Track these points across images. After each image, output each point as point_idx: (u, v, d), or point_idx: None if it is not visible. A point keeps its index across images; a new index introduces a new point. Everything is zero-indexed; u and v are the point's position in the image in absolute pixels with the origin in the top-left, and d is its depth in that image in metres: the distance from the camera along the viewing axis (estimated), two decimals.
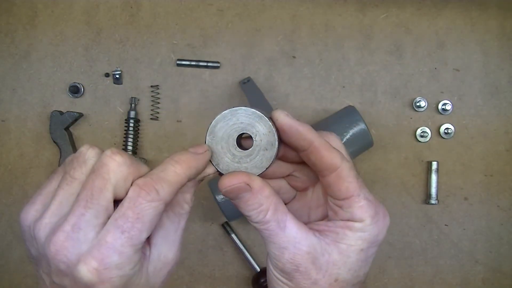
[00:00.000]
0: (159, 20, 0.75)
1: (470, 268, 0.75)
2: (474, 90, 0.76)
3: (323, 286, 0.36)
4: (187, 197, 0.38)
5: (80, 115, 0.74)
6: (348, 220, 0.37)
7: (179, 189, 0.35)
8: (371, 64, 0.76)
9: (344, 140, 0.67)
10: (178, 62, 0.75)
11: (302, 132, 0.36)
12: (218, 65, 0.75)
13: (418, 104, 0.75)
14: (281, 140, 0.37)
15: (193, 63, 0.75)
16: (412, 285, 0.74)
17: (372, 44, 0.76)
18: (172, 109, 0.75)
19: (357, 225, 0.36)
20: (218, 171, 0.37)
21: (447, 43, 0.76)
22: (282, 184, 0.42)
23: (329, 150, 0.36)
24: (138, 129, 0.74)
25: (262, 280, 0.71)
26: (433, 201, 0.74)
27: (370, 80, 0.75)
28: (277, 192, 0.38)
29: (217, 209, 0.73)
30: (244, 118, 0.36)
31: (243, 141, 0.38)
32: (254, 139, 0.36)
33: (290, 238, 0.36)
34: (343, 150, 0.38)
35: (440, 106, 0.75)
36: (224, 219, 0.74)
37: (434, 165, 0.74)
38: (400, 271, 0.74)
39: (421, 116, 0.75)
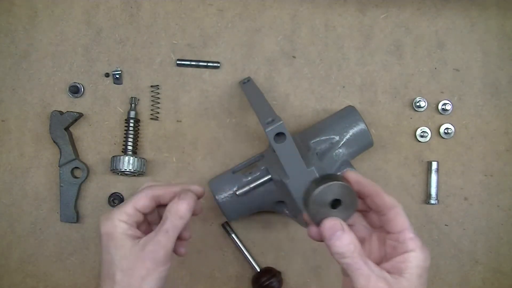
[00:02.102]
0: (159, 20, 0.75)
1: (470, 268, 0.75)
2: (474, 90, 0.76)
3: None
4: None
5: (80, 115, 0.74)
6: (405, 252, 0.45)
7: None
8: (371, 64, 0.76)
9: (344, 140, 0.67)
10: (178, 62, 0.75)
11: (369, 184, 0.47)
12: (218, 65, 0.75)
13: (418, 104, 0.75)
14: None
15: (193, 63, 0.75)
16: None
17: (372, 44, 0.76)
18: (172, 109, 0.75)
19: (412, 254, 0.44)
20: (316, 223, 0.47)
21: (447, 43, 0.76)
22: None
23: (388, 194, 0.47)
24: (138, 129, 0.74)
25: (262, 280, 0.71)
26: (433, 201, 0.74)
27: (370, 80, 0.75)
28: None
29: (217, 209, 0.73)
30: (336, 189, 0.46)
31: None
32: (342, 200, 0.46)
33: (373, 270, 0.44)
34: None
35: (440, 106, 0.75)
36: (224, 219, 0.74)
37: (434, 165, 0.74)
38: None
39: (421, 116, 0.75)
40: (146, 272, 0.48)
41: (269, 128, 0.54)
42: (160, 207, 0.53)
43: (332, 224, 0.45)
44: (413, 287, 0.44)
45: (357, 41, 0.76)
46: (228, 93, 0.75)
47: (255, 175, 0.66)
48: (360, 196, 0.48)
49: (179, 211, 0.50)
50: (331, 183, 0.45)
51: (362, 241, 0.49)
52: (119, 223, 0.49)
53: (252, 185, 0.65)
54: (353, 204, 0.47)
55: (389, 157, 0.75)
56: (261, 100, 0.64)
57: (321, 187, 0.45)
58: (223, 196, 0.67)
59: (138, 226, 0.51)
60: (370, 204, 0.48)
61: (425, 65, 0.76)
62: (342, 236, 0.45)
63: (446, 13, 0.76)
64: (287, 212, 0.67)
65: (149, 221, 0.55)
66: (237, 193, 0.65)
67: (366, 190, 0.48)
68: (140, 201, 0.51)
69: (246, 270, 0.74)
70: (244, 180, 0.67)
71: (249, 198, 0.66)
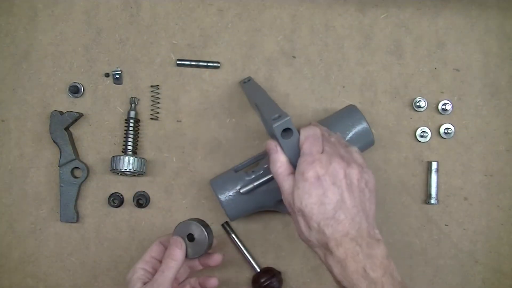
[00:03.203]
0: (159, 20, 0.75)
1: (470, 268, 0.75)
2: (474, 90, 0.76)
3: None
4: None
5: (80, 115, 0.74)
6: None
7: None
8: (371, 64, 0.76)
9: (347, 138, 0.67)
10: (178, 62, 0.75)
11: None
12: (218, 65, 0.75)
13: (418, 104, 0.75)
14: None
15: (193, 63, 0.75)
16: (412, 285, 0.74)
17: (372, 44, 0.76)
18: (172, 109, 0.75)
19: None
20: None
21: (447, 43, 0.76)
22: None
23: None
24: (138, 129, 0.74)
25: (262, 280, 0.71)
26: (433, 201, 0.74)
27: (370, 80, 0.75)
28: None
29: (217, 209, 0.73)
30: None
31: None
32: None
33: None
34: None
35: (440, 106, 0.75)
36: (224, 219, 0.74)
37: (434, 165, 0.74)
38: (400, 271, 0.73)
39: (421, 116, 0.75)
40: None
41: (276, 124, 0.54)
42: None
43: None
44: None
45: (357, 41, 0.76)
46: (228, 93, 0.75)
47: (258, 173, 0.66)
48: None
49: (171, 254, 0.60)
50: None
51: None
52: (138, 269, 0.61)
53: (256, 183, 0.65)
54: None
55: (389, 157, 0.75)
56: (265, 97, 0.64)
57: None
58: (226, 195, 0.67)
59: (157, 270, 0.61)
60: None
61: (425, 65, 0.76)
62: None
63: (446, 13, 0.76)
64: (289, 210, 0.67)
65: None
66: (241, 191, 0.65)
67: None
68: (153, 249, 0.63)
69: (246, 270, 0.74)
70: (247, 178, 0.67)
71: (252, 197, 0.66)
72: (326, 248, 0.52)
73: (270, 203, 0.68)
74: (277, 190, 0.64)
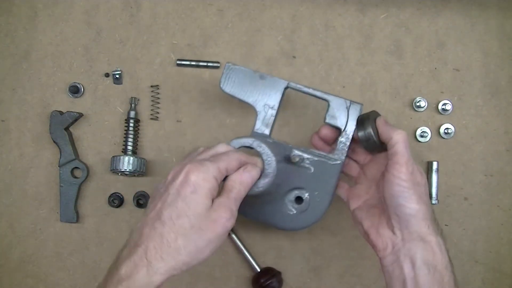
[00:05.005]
0: (159, 20, 0.75)
1: (470, 268, 0.75)
2: (474, 90, 0.76)
3: None
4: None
5: (80, 115, 0.74)
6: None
7: None
8: (371, 64, 0.76)
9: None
10: (178, 62, 0.75)
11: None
12: (218, 65, 0.75)
13: (418, 104, 0.75)
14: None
15: (193, 63, 0.75)
16: None
17: (372, 44, 0.76)
18: (172, 109, 0.75)
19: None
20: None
21: (447, 43, 0.76)
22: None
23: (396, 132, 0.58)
24: (138, 129, 0.74)
25: (262, 280, 0.71)
26: (433, 201, 0.74)
27: (370, 80, 0.75)
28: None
29: None
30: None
31: None
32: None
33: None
34: None
35: (440, 106, 0.75)
36: None
37: (434, 165, 0.74)
38: None
39: (421, 116, 0.75)
40: (210, 239, 0.49)
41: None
42: None
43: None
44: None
45: (357, 41, 0.76)
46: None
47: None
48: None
49: (244, 182, 0.52)
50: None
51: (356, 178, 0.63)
52: (212, 179, 0.49)
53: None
54: None
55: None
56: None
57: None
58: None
59: None
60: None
61: (425, 65, 0.76)
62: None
63: (446, 13, 0.76)
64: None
65: None
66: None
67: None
68: (231, 164, 0.52)
69: (246, 270, 0.74)
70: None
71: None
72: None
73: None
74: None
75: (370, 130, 0.59)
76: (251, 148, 0.59)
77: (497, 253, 0.75)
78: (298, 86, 0.64)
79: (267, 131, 0.64)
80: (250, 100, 0.64)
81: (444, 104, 0.75)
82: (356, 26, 0.76)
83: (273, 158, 0.58)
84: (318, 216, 0.63)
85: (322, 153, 0.63)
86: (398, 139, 0.55)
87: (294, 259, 0.74)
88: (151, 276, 0.45)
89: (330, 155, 0.63)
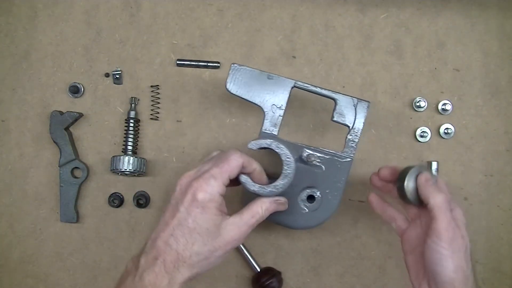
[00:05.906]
0: (159, 20, 0.75)
1: None
2: (474, 90, 0.76)
3: None
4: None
5: (80, 115, 0.74)
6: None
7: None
8: (371, 64, 0.76)
9: None
10: (178, 62, 0.75)
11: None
12: (218, 65, 0.75)
13: (418, 104, 0.75)
14: None
15: (193, 63, 0.75)
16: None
17: (372, 44, 0.76)
18: (172, 109, 0.75)
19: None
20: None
21: (447, 43, 0.76)
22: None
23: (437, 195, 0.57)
24: (138, 129, 0.74)
25: (262, 280, 0.71)
26: None
27: (370, 80, 0.75)
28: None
29: None
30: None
31: None
32: None
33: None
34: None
35: (440, 106, 0.75)
36: None
37: (434, 165, 0.74)
38: (400, 271, 0.74)
39: (421, 116, 0.75)
40: (221, 255, 0.53)
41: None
42: None
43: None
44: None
45: (357, 41, 0.76)
46: (228, 93, 0.75)
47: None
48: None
49: (269, 209, 0.56)
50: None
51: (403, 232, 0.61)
52: (219, 197, 0.53)
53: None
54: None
55: (389, 157, 0.75)
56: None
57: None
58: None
59: None
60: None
61: (425, 65, 0.76)
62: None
63: (446, 13, 0.76)
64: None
65: None
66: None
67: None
68: (234, 171, 0.54)
69: (246, 270, 0.74)
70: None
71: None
72: None
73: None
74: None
75: (403, 185, 0.58)
76: (270, 149, 0.58)
77: (497, 253, 0.74)
78: (305, 85, 0.64)
79: (275, 131, 0.64)
80: (257, 100, 0.64)
81: (444, 104, 0.75)
82: (356, 26, 0.76)
83: (292, 159, 0.58)
84: (329, 214, 0.64)
85: (332, 151, 0.64)
86: (435, 204, 0.54)
87: (294, 259, 0.74)
88: (172, 285, 0.51)
89: (340, 153, 0.63)
